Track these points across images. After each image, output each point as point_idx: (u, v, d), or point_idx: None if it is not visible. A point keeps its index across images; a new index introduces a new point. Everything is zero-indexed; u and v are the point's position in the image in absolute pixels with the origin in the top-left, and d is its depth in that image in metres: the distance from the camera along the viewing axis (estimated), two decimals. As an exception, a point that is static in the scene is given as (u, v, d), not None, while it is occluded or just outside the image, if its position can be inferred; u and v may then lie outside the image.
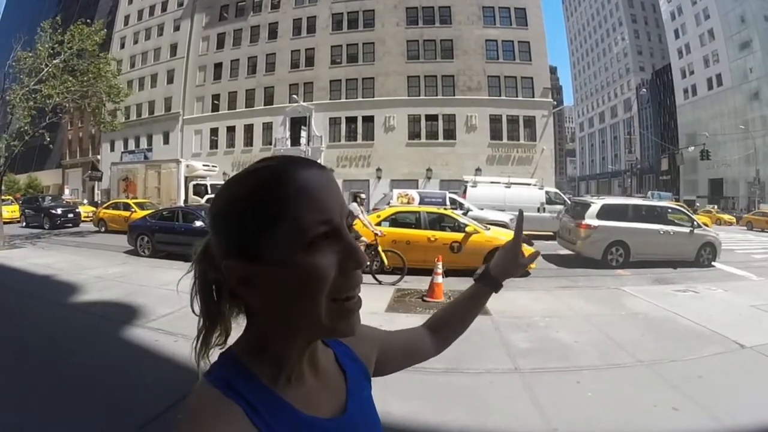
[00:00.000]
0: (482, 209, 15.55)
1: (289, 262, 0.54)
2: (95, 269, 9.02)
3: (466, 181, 18.90)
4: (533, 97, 33.01)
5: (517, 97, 33.04)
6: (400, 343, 0.92)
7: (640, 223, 10.70)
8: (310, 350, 0.64)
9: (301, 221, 0.54)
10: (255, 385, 0.58)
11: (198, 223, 11.00)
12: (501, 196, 17.22)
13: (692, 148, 35.25)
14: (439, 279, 6.75)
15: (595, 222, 10.58)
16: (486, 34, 33.87)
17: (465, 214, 13.85)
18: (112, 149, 45.12)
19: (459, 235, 9.05)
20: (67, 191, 45.49)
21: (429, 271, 7.32)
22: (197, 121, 40.58)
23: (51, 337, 5.02)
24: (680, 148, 46.41)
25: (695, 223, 11.30)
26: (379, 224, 8.97)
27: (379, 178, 32.99)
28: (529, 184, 18.48)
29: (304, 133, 31.98)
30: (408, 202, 10.43)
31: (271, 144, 36.43)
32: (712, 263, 10.97)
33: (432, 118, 33.65)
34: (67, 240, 15.60)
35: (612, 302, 6.58)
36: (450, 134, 33.38)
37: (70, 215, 20.49)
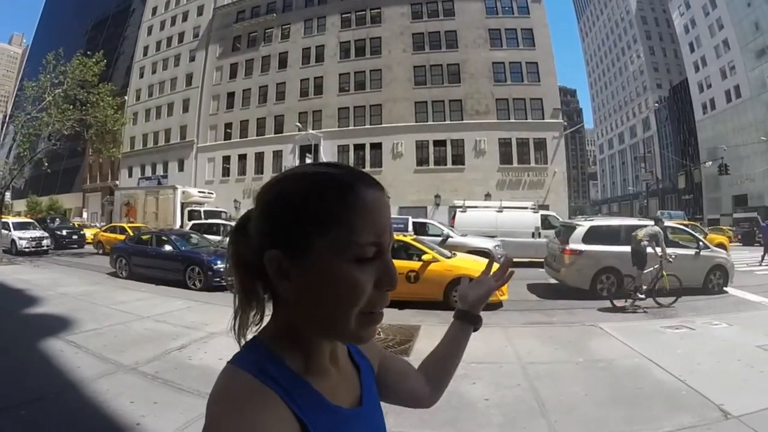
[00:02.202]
0: (465, 235, 14.44)
1: (335, 270, 0.56)
2: (67, 287, 9.71)
3: (457, 207, 17.87)
4: (543, 118, 32.40)
5: (526, 119, 32.53)
6: (397, 367, 0.90)
7: None
8: (331, 346, 0.67)
9: (358, 236, 0.56)
10: (286, 371, 0.59)
11: (167, 248, 11.37)
12: (492, 221, 15.98)
13: (709, 163, 33.75)
14: None
15: (581, 246, 9.31)
16: (493, 56, 33.66)
17: (444, 240, 13.20)
18: (130, 175, 46.40)
19: (416, 264, 8.24)
20: (85, 214, 47.17)
21: None
22: (210, 149, 41.31)
23: None
24: (697, 164, 44.77)
25: (701, 243, 9.87)
26: None
27: (387, 205, 32.71)
28: (526, 208, 17.12)
29: (309, 161, 32.07)
30: None
31: (281, 171, 36.63)
32: (724, 289, 9.62)
33: (440, 143, 33.37)
34: (64, 260, 16.50)
35: (576, 344, 5.54)
36: (459, 159, 32.98)
37: (74, 237, 21.86)
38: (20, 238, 17.96)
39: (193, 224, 17.62)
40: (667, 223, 11.20)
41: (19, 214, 41.11)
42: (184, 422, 3.26)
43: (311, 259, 0.56)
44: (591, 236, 9.50)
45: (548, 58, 33.55)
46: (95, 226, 32.55)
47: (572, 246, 9.37)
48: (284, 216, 0.57)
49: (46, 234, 19.44)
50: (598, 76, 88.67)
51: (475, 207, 17.58)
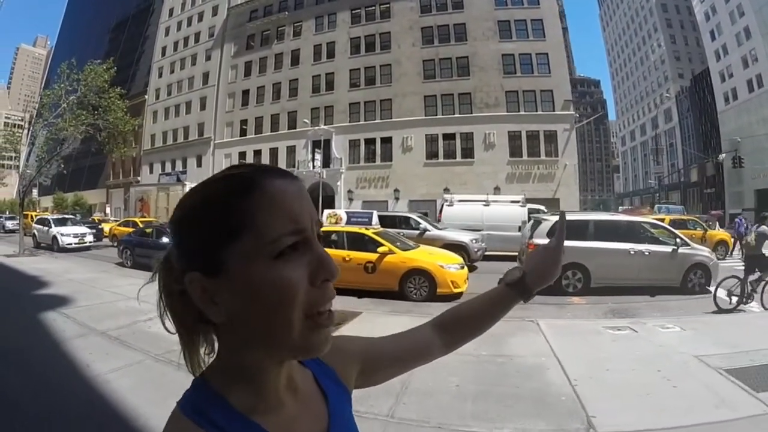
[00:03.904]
0: (444, 228, 14.55)
1: (255, 275, 0.51)
2: (75, 274, 10.83)
3: (445, 200, 17.85)
4: (554, 110, 31.97)
5: (536, 111, 32.21)
6: (390, 349, 0.85)
7: (604, 242, 9.11)
8: (286, 372, 0.60)
9: (268, 231, 0.51)
10: (230, 413, 0.54)
11: (164, 239, 12.19)
12: (478, 215, 15.95)
13: (722, 156, 32.64)
14: None
15: (545, 241, 9.35)
16: (502, 48, 33.39)
17: (421, 234, 13.44)
18: (151, 171, 48.05)
19: (374, 256, 8.70)
20: (108, 209, 48.92)
21: (344, 291, 7.73)
22: (227, 145, 42.39)
23: None
24: (712, 157, 43.35)
25: (679, 240, 9.34)
26: None
27: (397, 198, 32.96)
28: (516, 202, 16.94)
29: (318, 156, 32.58)
30: (336, 222, 10.21)
31: (294, 166, 37.36)
32: (708, 288, 8.96)
33: (449, 137, 33.42)
34: (81, 252, 17.62)
35: (496, 338, 5.24)
36: (468, 153, 32.98)
37: (93, 231, 22.21)
38: (62, 234, 18.01)
39: None
40: (639, 218, 10.98)
41: (46, 210, 43.07)
42: (121, 365, 4.56)
43: (230, 271, 0.51)
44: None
45: (559, 49, 33.20)
46: (116, 221, 33.92)
47: (536, 240, 9.27)
48: (192, 233, 0.53)
49: (87, 229, 19.71)
50: (619, 65, 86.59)
51: (464, 201, 17.50)
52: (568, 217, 7.06)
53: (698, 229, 15.99)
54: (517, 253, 14.02)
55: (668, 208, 22.65)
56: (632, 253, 9.01)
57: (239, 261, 0.51)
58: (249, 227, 0.51)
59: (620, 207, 56.88)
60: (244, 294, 0.51)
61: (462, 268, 8.76)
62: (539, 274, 0.88)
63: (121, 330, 5.84)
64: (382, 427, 3.33)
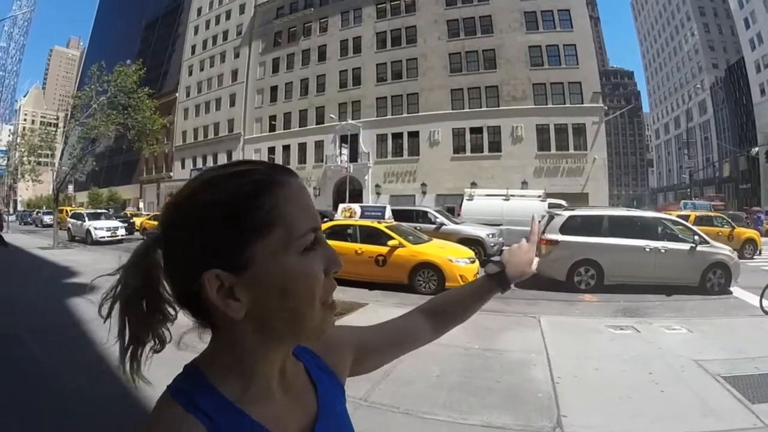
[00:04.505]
0: (462, 223, 14.46)
1: (287, 269, 0.54)
2: (102, 264, 11.33)
3: (469, 195, 17.65)
4: (582, 103, 31.47)
5: (564, 104, 31.77)
6: (383, 336, 0.89)
7: (618, 239, 8.82)
8: (282, 363, 0.62)
9: (298, 227, 0.54)
10: (219, 401, 0.56)
11: None
12: (498, 209, 15.85)
13: (756, 149, 31.55)
14: None
15: (558, 237, 8.99)
16: (529, 40, 32.95)
17: (438, 228, 13.36)
18: (183, 167, 49.38)
19: (384, 249, 8.85)
20: (141, 204, 50.67)
21: (356, 283, 8.13)
22: (256, 140, 43.37)
23: (26, 284, 9.28)
24: (745, 150, 41.74)
25: (697, 238, 8.86)
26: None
27: (424, 193, 33.11)
28: (538, 196, 16.77)
29: (345, 151, 33.00)
30: (351, 216, 10.57)
31: (322, 161, 37.95)
32: (730, 289, 8.63)
33: (476, 130, 33.34)
34: (113, 245, 18.47)
35: (493, 332, 5.48)
36: (495, 146, 32.82)
37: (125, 225, 23.23)
38: (96, 228, 18.87)
39: None
40: (657, 214, 10.63)
41: (82, 205, 44.97)
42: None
43: (258, 267, 0.53)
44: (569, 226, 9.15)
45: (587, 40, 32.68)
46: (148, 215, 35.30)
47: (548, 236, 9.10)
48: (211, 232, 0.53)
49: (120, 223, 20.58)
50: (652, 56, 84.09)
51: (484, 195, 17.45)
52: (583, 212, 7.80)
53: (725, 226, 15.38)
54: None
55: (694, 204, 21.97)
56: (648, 250, 8.67)
57: (269, 256, 0.53)
58: (279, 224, 0.53)
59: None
60: (275, 287, 0.54)
61: (473, 262, 8.83)
62: (515, 269, 0.98)
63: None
64: (353, 408, 3.57)
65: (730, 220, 16.23)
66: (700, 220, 15.42)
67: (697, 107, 64.63)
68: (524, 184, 27.96)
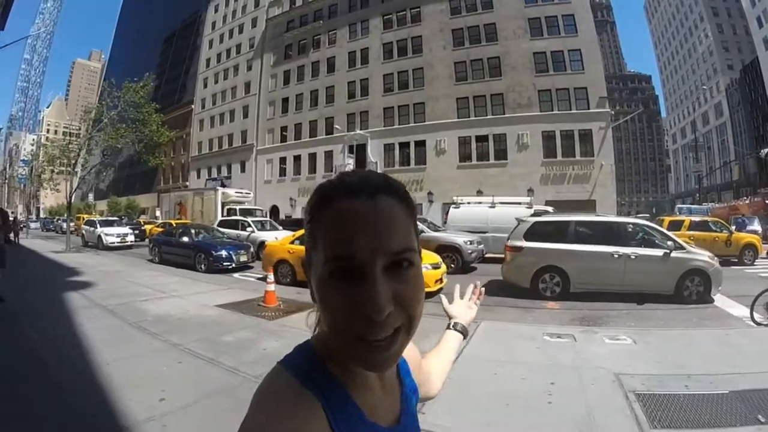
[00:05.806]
0: (438, 230, 14.65)
1: (316, 286, 0.56)
2: (106, 267, 12.74)
3: (455, 203, 17.79)
4: (588, 108, 31.24)
5: (570, 110, 31.63)
6: (426, 365, 0.95)
7: (584, 245, 8.51)
8: None
9: (325, 250, 0.54)
10: (331, 381, 0.58)
11: (185, 239, 13.68)
12: (484, 216, 15.93)
13: (765, 151, 30.93)
14: (271, 287, 7.75)
15: (522, 243, 8.92)
16: (534, 46, 32.97)
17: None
18: (198, 177, 50.75)
19: None
20: (158, 212, 52.16)
21: None
22: (268, 151, 44.27)
23: (32, 280, 10.43)
24: (754, 152, 40.62)
25: (672, 243, 8.43)
26: (292, 242, 10.39)
27: (431, 201, 33.31)
28: (525, 203, 16.75)
29: (350, 161, 33.55)
30: None
31: (332, 171, 38.59)
32: (712, 296, 8.19)
33: (482, 138, 33.44)
34: (122, 250, 19.65)
35: (421, 334, 4.86)
36: (501, 154, 32.82)
37: (136, 232, 24.62)
38: (106, 234, 20.17)
39: (220, 221, 19.29)
40: (628, 219, 9.94)
41: (101, 213, 46.57)
42: (102, 326, 6.05)
43: (313, 270, 0.57)
44: (535, 232, 9.01)
45: (592, 45, 32.39)
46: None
47: (512, 242, 9.09)
48: (305, 223, 0.60)
49: (129, 230, 22.03)
50: (667, 59, 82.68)
51: (470, 203, 17.57)
52: (550, 218, 8.04)
53: (723, 231, 15.02)
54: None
55: (690, 209, 21.48)
56: (616, 256, 8.29)
57: (314, 266, 0.57)
58: (317, 243, 0.56)
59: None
60: (317, 294, 0.57)
61: (436, 268, 8.88)
62: (465, 318, 1.19)
63: (118, 305, 7.37)
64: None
65: (728, 225, 15.94)
66: (696, 226, 15.25)
67: (713, 110, 63.48)
68: (530, 192, 27.92)
